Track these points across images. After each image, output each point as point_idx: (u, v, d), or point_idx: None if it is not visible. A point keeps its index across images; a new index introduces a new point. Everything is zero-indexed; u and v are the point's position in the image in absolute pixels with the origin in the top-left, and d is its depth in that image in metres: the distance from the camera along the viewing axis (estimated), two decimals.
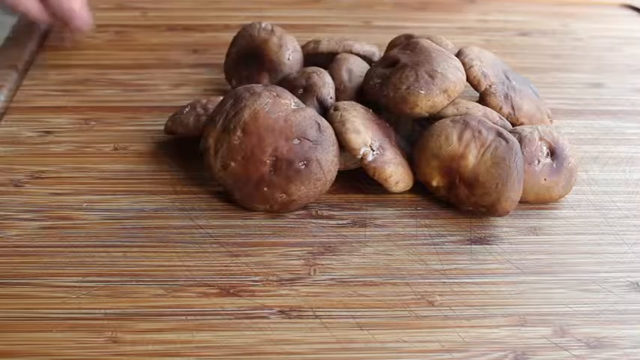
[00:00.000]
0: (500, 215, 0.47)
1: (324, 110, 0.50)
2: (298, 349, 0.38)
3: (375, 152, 0.47)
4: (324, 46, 0.57)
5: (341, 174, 0.50)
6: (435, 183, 0.48)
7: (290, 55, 0.55)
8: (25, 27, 0.68)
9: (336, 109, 0.48)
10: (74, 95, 0.59)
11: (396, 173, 0.47)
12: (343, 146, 0.47)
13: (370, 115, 0.49)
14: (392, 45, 0.57)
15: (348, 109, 0.48)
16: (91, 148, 0.52)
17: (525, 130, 0.49)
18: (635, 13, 0.78)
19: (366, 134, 0.47)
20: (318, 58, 0.56)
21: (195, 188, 0.49)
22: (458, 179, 0.47)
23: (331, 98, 0.51)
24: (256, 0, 0.74)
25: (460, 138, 0.47)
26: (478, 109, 0.50)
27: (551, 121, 0.54)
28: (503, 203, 0.46)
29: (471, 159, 0.46)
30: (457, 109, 0.49)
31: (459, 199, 0.47)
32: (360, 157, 0.46)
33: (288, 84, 0.52)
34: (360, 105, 0.49)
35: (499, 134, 0.47)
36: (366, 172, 0.47)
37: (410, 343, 0.39)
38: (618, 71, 0.66)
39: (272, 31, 0.56)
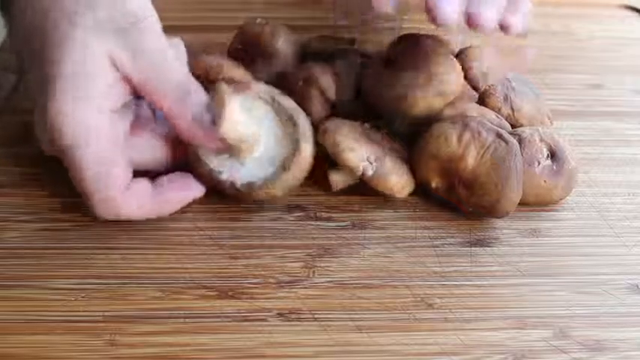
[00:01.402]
0: (500, 216, 0.47)
1: (325, 101, 0.50)
2: (297, 352, 0.38)
3: (374, 165, 0.46)
4: (323, 44, 0.57)
5: None
6: (434, 184, 0.48)
7: (282, 41, 0.56)
8: None
9: (325, 131, 0.47)
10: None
11: (399, 180, 0.47)
12: (342, 166, 0.47)
13: (360, 129, 0.48)
14: (391, 45, 0.57)
15: (338, 129, 0.47)
16: None
17: (525, 131, 0.49)
18: (635, 14, 0.78)
19: (360, 150, 0.46)
20: (316, 57, 0.56)
21: None
22: (457, 180, 0.47)
23: (332, 87, 0.51)
24: (256, 0, 0.74)
25: (459, 139, 0.46)
26: (476, 111, 0.49)
27: (551, 123, 0.54)
28: (503, 204, 0.46)
29: (470, 160, 0.46)
30: (455, 110, 0.49)
31: (458, 200, 0.47)
32: (360, 173, 0.46)
33: (287, 78, 0.52)
34: (347, 121, 0.49)
35: (498, 135, 0.47)
36: (370, 185, 0.47)
37: (409, 346, 0.39)
38: (618, 72, 0.66)
39: (265, 24, 0.57)
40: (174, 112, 0.44)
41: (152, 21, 0.44)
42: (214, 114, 0.44)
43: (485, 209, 0.46)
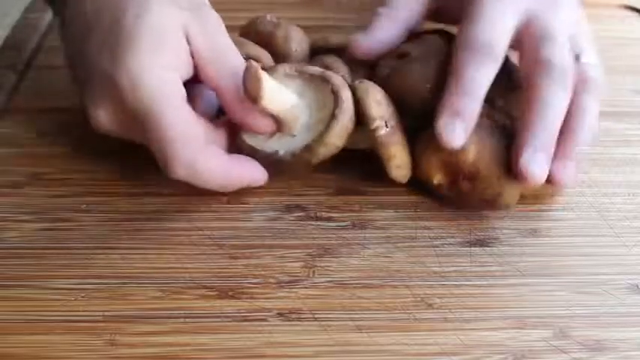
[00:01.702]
0: (502, 209, 0.47)
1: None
2: (297, 352, 0.38)
3: (387, 129, 0.47)
4: (334, 40, 0.57)
5: (340, 175, 0.50)
6: (436, 180, 0.48)
7: (296, 46, 0.56)
8: (24, 27, 0.68)
9: (362, 83, 0.48)
10: (73, 96, 0.59)
11: (400, 156, 0.47)
12: (360, 119, 0.47)
13: (390, 102, 0.49)
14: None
15: (375, 87, 0.48)
16: (90, 150, 0.52)
17: None
18: (635, 14, 0.78)
19: (386, 109, 0.47)
20: (328, 53, 0.56)
21: (194, 190, 0.49)
22: (460, 175, 0.47)
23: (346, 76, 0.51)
24: (258, 1, 0.74)
25: None
26: None
27: None
28: (505, 197, 0.46)
29: (472, 153, 0.46)
30: None
31: (460, 195, 0.47)
32: (373, 127, 0.46)
33: None
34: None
35: (499, 128, 0.47)
36: (373, 144, 0.47)
37: (409, 346, 0.39)
38: (619, 72, 0.66)
39: (278, 24, 0.57)
40: (227, 96, 0.46)
41: (213, 11, 0.47)
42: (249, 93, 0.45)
43: (487, 203, 0.46)
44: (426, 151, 0.47)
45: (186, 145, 0.44)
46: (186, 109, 0.44)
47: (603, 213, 0.49)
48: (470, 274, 0.43)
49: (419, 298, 0.42)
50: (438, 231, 0.47)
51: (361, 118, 0.47)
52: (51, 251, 0.44)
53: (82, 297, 0.41)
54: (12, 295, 0.41)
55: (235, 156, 0.47)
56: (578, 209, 0.49)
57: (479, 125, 0.46)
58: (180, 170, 0.44)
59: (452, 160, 0.47)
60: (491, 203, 0.46)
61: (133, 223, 0.46)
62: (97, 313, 0.40)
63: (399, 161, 0.47)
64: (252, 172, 0.47)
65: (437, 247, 0.45)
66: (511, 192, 0.46)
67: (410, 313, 0.41)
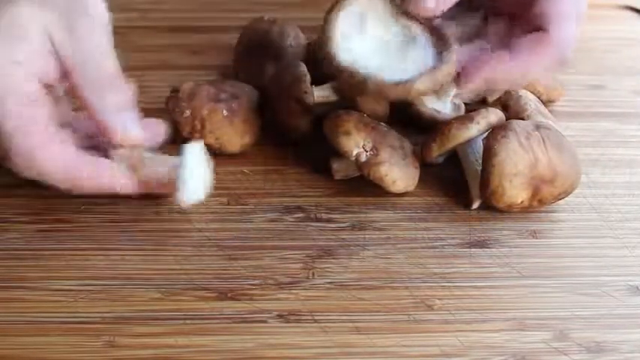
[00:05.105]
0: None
1: None
2: (297, 354, 0.38)
3: (368, 153, 0.47)
4: None
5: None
6: (520, 200, 0.47)
7: (292, 41, 0.56)
8: None
9: (327, 118, 0.48)
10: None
11: (391, 172, 0.47)
12: (339, 152, 0.47)
13: (365, 119, 0.48)
14: None
15: (340, 116, 0.48)
16: None
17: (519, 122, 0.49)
18: (635, 15, 0.78)
19: (357, 136, 0.47)
20: None
21: None
22: (541, 182, 0.47)
23: None
24: (257, 1, 0.74)
25: (522, 145, 0.46)
26: (496, 115, 0.49)
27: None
28: (578, 182, 0.48)
29: (542, 157, 0.46)
30: (481, 125, 0.49)
31: (542, 201, 0.47)
32: (353, 158, 0.46)
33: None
34: (354, 111, 0.49)
35: (538, 125, 0.48)
36: (362, 172, 0.47)
37: (409, 348, 0.39)
38: (619, 73, 0.66)
39: (273, 21, 0.57)
40: (89, 102, 0.43)
41: (94, 12, 0.44)
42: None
43: (564, 195, 0.48)
44: (505, 179, 0.46)
45: (27, 135, 0.42)
46: (33, 104, 0.42)
47: (603, 214, 0.49)
48: (470, 275, 0.43)
49: (419, 300, 0.41)
50: (438, 232, 0.46)
51: (339, 152, 0.47)
52: (50, 252, 0.43)
53: (82, 298, 0.41)
54: (11, 296, 0.41)
55: (94, 158, 0.44)
56: (578, 210, 0.49)
57: (529, 132, 0.47)
58: (19, 159, 0.42)
59: (533, 174, 0.46)
60: (568, 193, 0.48)
61: (132, 225, 0.46)
62: (97, 315, 0.40)
63: (392, 177, 0.47)
64: (104, 180, 0.44)
65: (437, 248, 0.45)
66: (579, 173, 0.48)
67: (410, 314, 0.41)
